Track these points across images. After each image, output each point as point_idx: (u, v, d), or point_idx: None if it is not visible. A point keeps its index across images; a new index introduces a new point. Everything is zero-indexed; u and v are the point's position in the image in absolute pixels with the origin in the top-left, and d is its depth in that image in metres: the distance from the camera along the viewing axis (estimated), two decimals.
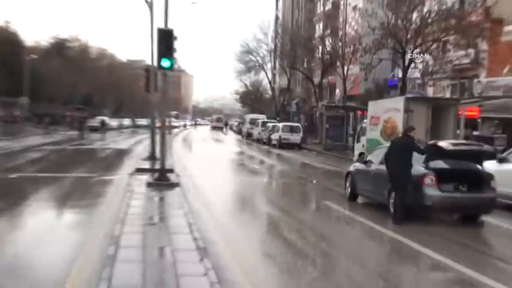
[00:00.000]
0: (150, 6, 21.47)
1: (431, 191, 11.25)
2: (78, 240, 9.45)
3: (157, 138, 20.14)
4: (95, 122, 58.10)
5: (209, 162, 27.61)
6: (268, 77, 71.41)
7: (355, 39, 40.25)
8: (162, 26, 16.55)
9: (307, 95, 65.41)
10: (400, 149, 11.73)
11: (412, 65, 31.79)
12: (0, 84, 49.40)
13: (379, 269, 8.64)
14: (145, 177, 16.77)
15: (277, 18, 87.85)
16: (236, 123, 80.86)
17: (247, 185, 19.42)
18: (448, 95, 34.29)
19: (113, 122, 71.16)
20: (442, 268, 8.43)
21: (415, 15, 30.04)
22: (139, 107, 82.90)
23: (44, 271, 7.69)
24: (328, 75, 53.04)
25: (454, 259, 8.56)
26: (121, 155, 29.22)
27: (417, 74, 34.55)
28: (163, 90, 18.89)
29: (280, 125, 43.66)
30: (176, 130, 71.01)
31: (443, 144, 11.63)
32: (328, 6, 63.53)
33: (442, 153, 11.70)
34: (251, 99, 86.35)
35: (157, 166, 17.58)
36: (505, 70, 30.01)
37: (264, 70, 69.69)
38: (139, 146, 35.01)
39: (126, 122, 79.94)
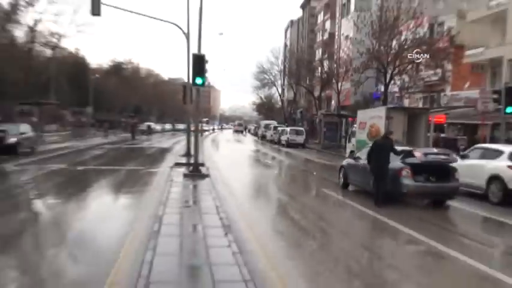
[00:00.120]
0: (187, 36, 21.52)
1: (407, 181, 11.26)
2: (130, 219, 9.51)
3: (192, 139, 20.22)
4: (143, 126, 58.46)
5: (232, 158, 27.62)
6: (278, 92, 71.23)
7: (347, 62, 40.11)
8: (196, 51, 16.62)
9: (309, 105, 65.14)
10: (381, 148, 11.69)
11: (392, 81, 31.60)
12: (71, 97, 49.99)
13: (365, 242, 8.58)
14: (182, 170, 16.81)
15: (285, 45, 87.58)
16: (253, 128, 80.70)
17: (262, 176, 19.39)
18: (420, 105, 34.21)
19: (157, 127, 71.24)
20: (415, 242, 8.33)
21: (394, 42, 29.92)
22: (178, 115, 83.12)
23: (103, 242, 7.75)
24: (325, 89, 52.73)
25: (425, 235, 8.49)
26: (163, 152, 29.28)
27: (396, 89, 34.32)
28: (197, 102, 18.95)
29: (288, 129, 43.61)
30: (206, 133, 71.11)
31: (418, 154, 11.47)
32: (326, 36, 63.52)
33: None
34: (265, 108, 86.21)
35: (192, 161, 17.60)
36: (466, 86, 29.94)
37: (275, 86, 69.50)
38: (178, 145, 35.07)
39: (168, 126, 80.00)
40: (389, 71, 30.57)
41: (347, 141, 29.00)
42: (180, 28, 21.80)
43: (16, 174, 16.13)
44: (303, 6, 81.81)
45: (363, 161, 12.73)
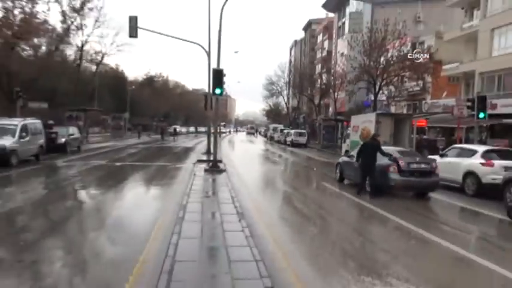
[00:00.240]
0: (208, 54, 21.50)
1: (394, 176, 11.17)
2: (159, 207, 9.48)
3: (212, 140, 20.16)
4: (170, 129, 58.64)
5: (245, 156, 27.59)
6: (284, 100, 70.76)
7: (342, 75, 39.76)
8: (216, 66, 16.56)
9: (310, 111, 64.69)
10: (369, 149, 11.60)
11: (380, 91, 31.31)
12: (111, 104, 50.45)
13: (358, 228, 8.43)
14: (203, 166, 16.80)
15: (290, 61, 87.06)
16: (263, 130, 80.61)
17: (270, 171, 19.27)
18: (405, 112, 33.92)
19: (183, 129, 71.67)
20: (401, 228, 8.15)
21: (382, 59, 29.70)
22: (200, 119, 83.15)
23: (136, 227, 7.71)
24: (324, 98, 52.39)
25: (410, 222, 8.34)
26: (187, 151, 29.32)
27: (384, 98, 33.99)
28: (216, 108, 18.88)
29: (292, 131, 43.54)
30: (224, 135, 71.17)
31: (402, 164, 11.19)
32: (324, 53, 63.17)
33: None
34: (273, 114, 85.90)
35: (211, 158, 17.54)
36: (444, 95, 29.80)
37: (282, 95, 69.13)
38: (200, 145, 35.10)
39: (191, 129, 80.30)
40: (378, 83, 30.28)
41: (342, 141, 28.79)
42: (203, 47, 21.82)
43: (64, 169, 16.23)
44: (305, 29, 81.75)
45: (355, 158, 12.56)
